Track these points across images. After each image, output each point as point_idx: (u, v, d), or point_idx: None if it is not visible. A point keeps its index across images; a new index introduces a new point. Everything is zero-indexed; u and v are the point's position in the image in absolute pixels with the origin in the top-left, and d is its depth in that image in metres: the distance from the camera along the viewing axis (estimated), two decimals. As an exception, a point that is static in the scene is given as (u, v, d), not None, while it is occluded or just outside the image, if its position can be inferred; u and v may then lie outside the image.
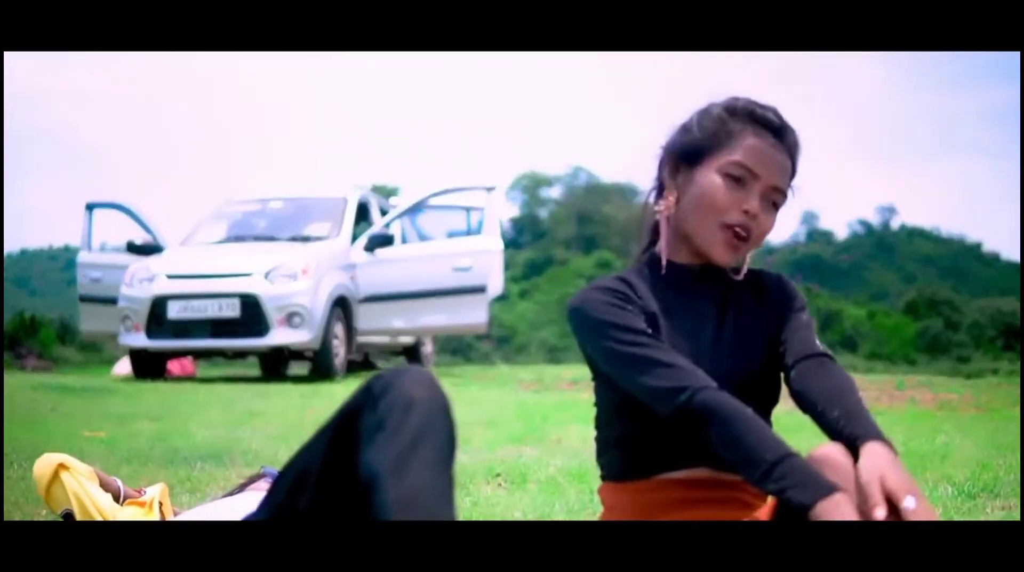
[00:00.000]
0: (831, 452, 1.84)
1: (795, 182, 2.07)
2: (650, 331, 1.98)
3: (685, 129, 2.08)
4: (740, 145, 2.02)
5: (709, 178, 2.02)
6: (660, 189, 2.13)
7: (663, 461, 2.01)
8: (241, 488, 2.61)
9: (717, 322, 2.07)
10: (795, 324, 2.08)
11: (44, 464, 2.43)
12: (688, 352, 2.00)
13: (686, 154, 2.06)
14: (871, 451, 1.79)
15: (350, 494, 1.75)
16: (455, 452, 1.76)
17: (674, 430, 1.94)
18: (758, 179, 2.01)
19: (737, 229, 2.00)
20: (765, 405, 2.06)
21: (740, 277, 2.10)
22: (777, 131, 2.03)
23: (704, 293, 2.09)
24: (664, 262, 2.08)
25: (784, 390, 2.08)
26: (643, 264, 2.12)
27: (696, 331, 2.05)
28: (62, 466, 2.39)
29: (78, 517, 2.35)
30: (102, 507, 2.37)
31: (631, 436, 2.04)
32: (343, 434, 1.81)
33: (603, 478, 2.13)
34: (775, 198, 2.02)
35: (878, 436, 1.82)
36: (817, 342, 2.05)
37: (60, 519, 2.40)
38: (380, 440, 1.71)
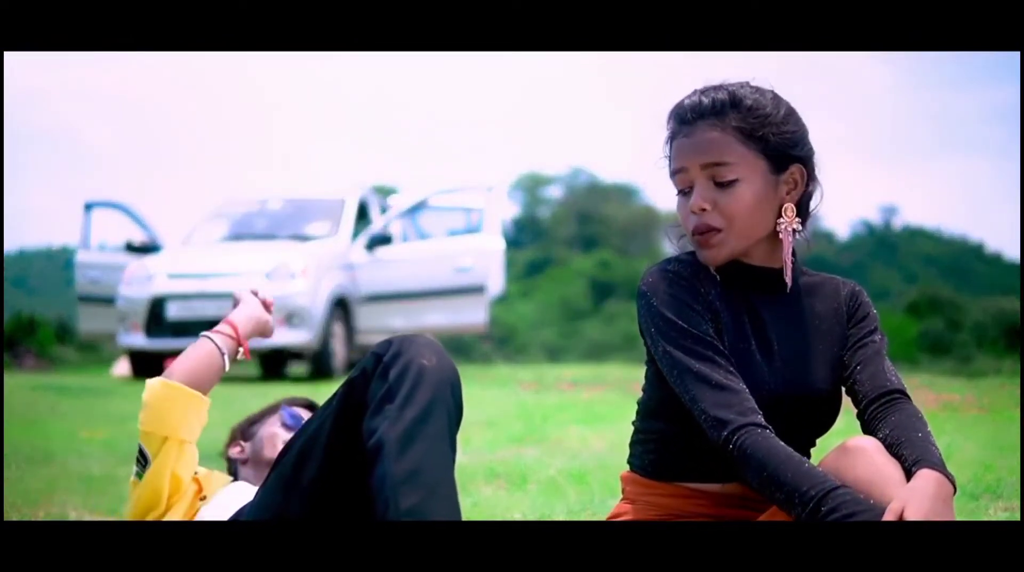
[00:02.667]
0: (864, 444, 1.83)
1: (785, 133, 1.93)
2: (712, 336, 1.92)
3: None
4: (671, 155, 2.00)
5: (677, 200, 2.00)
6: None
7: (697, 470, 1.97)
8: (261, 418, 2.53)
9: (781, 330, 2.00)
10: (867, 351, 2.00)
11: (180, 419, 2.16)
12: (747, 359, 1.94)
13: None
14: (918, 478, 1.76)
15: (356, 462, 1.76)
16: (460, 420, 1.79)
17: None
18: (685, 173, 1.96)
19: (696, 228, 1.95)
20: (823, 422, 2.01)
21: (788, 280, 1.99)
22: (685, 118, 1.96)
23: (769, 296, 2.01)
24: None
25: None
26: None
27: (757, 336, 1.98)
28: (183, 441, 2.18)
29: (150, 463, 2.16)
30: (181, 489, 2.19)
31: (671, 435, 1.98)
32: (351, 401, 1.82)
33: (631, 466, 2.09)
34: (715, 174, 1.93)
35: (934, 464, 1.78)
36: (888, 372, 1.98)
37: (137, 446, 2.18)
38: (389, 410, 1.72)
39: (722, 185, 1.93)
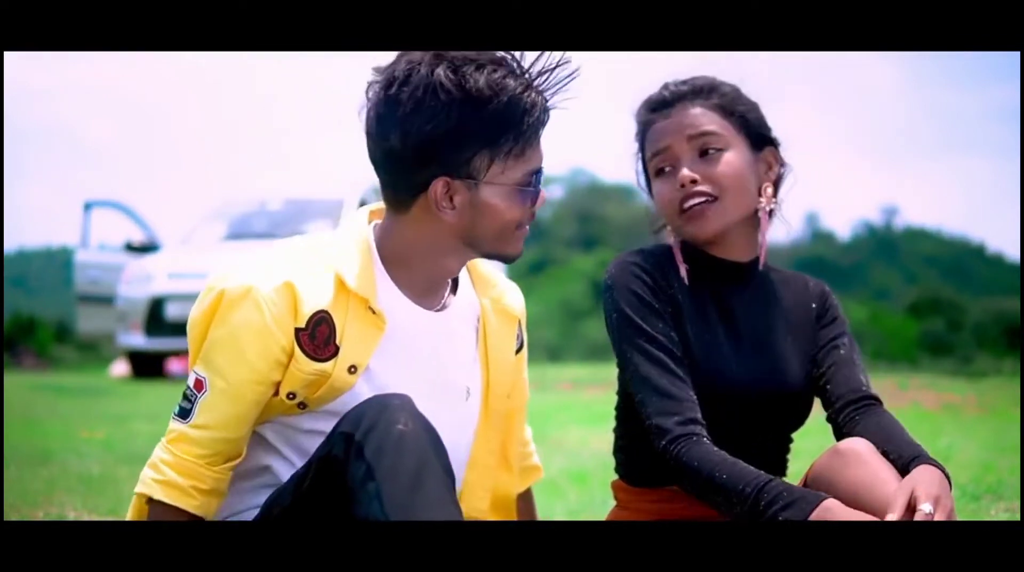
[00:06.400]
0: (857, 446, 1.82)
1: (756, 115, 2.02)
2: (668, 335, 1.92)
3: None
4: (646, 141, 2.04)
5: (655, 186, 2.02)
6: None
7: (669, 476, 1.94)
8: (471, 138, 1.79)
9: (750, 321, 2.00)
10: (839, 354, 2.01)
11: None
12: (715, 351, 1.94)
13: (644, 167, 2.07)
14: (919, 469, 1.77)
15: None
16: (453, 481, 1.66)
17: None
18: (668, 150, 1.99)
19: (684, 202, 1.96)
20: (795, 417, 2.01)
21: (762, 258, 2.02)
22: (663, 103, 2.01)
23: (738, 289, 2.01)
24: (680, 261, 2.00)
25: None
26: (677, 244, 2.03)
27: (726, 327, 1.98)
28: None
29: None
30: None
31: (644, 437, 1.96)
32: (326, 486, 1.67)
33: (618, 475, 2.09)
34: (703, 143, 1.97)
35: (930, 460, 1.80)
36: (861, 377, 2.00)
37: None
38: (373, 489, 1.59)
39: (709, 156, 1.97)
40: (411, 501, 1.56)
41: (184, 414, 1.78)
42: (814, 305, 2.06)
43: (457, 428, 1.89)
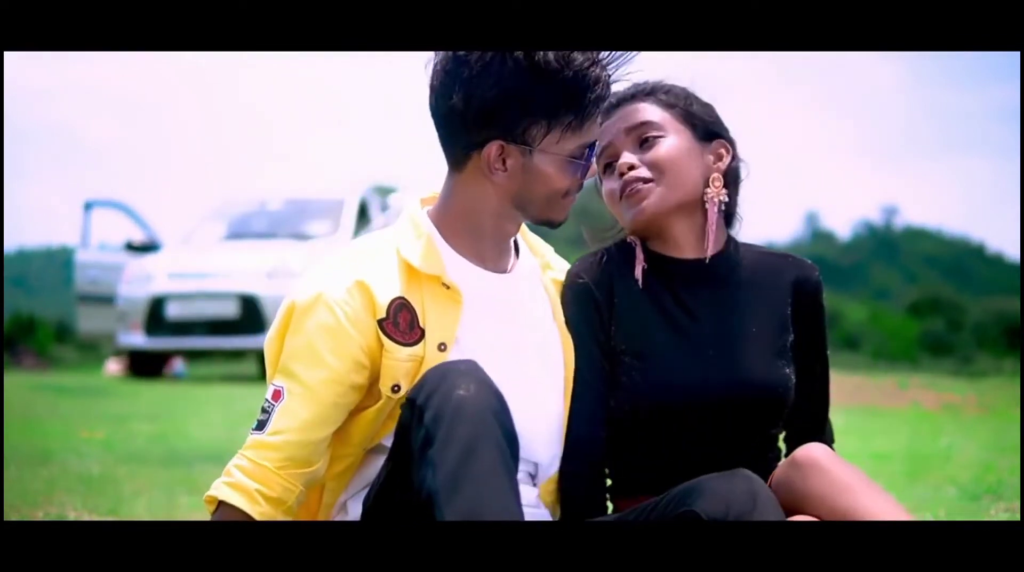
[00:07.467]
0: (815, 455, 1.78)
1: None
2: (595, 355, 1.93)
3: None
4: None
5: (603, 185, 2.05)
6: None
7: (649, 482, 1.91)
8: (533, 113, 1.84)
9: (714, 324, 1.95)
10: (812, 376, 2.02)
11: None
12: (673, 362, 1.92)
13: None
14: None
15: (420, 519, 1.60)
16: (517, 449, 1.63)
17: (665, 451, 1.90)
18: (610, 146, 2.00)
19: (624, 189, 1.97)
20: (770, 417, 1.96)
21: (708, 248, 1.98)
22: (607, 109, 2.02)
23: (700, 289, 1.97)
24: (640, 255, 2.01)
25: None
26: (636, 243, 2.03)
27: (687, 333, 1.94)
28: None
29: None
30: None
31: (618, 450, 1.96)
32: (400, 455, 1.67)
33: (611, 482, 2.07)
34: (641, 133, 1.99)
35: None
36: (823, 422, 2.04)
37: None
38: (431, 456, 1.57)
39: (647, 144, 1.98)
40: (462, 471, 1.55)
41: (261, 426, 1.80)
42: (800, 291, 2.01)
43: (552, 393, 1.92)
